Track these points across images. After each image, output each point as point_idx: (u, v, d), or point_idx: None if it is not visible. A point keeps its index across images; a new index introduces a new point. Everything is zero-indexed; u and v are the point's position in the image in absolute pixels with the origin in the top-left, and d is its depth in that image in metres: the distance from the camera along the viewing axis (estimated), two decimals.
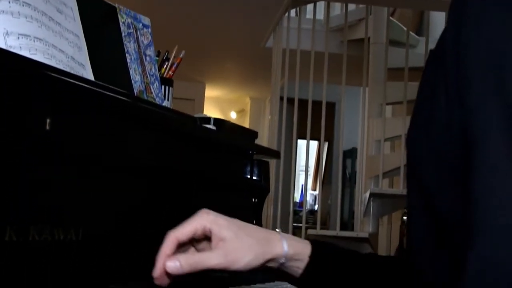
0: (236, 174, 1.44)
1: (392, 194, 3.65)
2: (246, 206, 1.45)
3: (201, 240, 0.85)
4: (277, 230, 0.88)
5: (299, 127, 4.14)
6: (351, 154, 6.89)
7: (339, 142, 4.09)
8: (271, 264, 0.85)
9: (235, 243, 0.80)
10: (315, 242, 0.90)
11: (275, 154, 1.54)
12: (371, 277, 0.92)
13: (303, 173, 3.99)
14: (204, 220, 0.82)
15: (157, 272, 0.80)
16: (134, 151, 1.10)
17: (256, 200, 1.47)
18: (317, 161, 7.90)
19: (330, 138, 7.08)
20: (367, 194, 3.65)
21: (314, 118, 4.03)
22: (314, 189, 8.09)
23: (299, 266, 0.88)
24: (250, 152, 1.45)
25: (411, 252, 0.81)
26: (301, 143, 5.41)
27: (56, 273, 0.95)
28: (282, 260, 0.85)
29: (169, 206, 1.20)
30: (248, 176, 1.46)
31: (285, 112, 4.08)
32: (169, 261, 0.78)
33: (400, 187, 3.61)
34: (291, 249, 0.85)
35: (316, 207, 7.41)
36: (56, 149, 0.95)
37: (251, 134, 1.51)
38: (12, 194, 0.88)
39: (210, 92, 7.07)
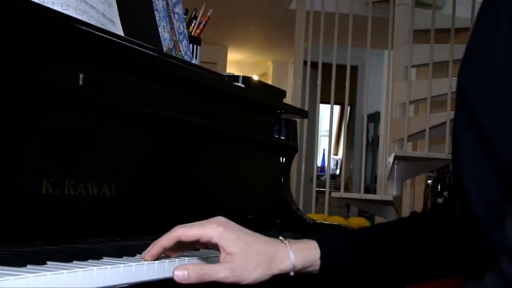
0: (264, 133, 1.44)
1: (417, 157, 3.63)
2: (274, 165, 1.45)
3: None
4: (280, 238, 0.89)
5: (321, 92, 4.11)
6: (373, 118, 6.84)
7: (363, 105, 4.05)
8: (281, 276, 0.87)
9: (242, 260, 0.82)
10: (323, 241, 0.91)
11: (303, 114, 1.54)
12: (390, 255, 0.92)
13: (324, 138, 3.97)
14: (211, 231, 0.83)
15: (146, 255, 0.83)
16: (164, 109, 1.10)
17: (284, 159, 1.47)
18: (339, 126, 7.86)
19: (351, 102, 7.03)
20: (392, 157, 3.63)
21: (336, 82, 3.99)
22: (336, 154, 8.07)
23: (311, 271, 0.90)
24: (278, 111, 1.45)
25: (460, 193, 0.79)
26: (322, 107, 5.37)
27: (91, 225, 0.97)
28: (291, 274, 0.87)
29: (198, 164, 1.20)
30: (276, 135, 1.46)
31: (308, 76, 4.06)
32: (178, 270, 0.79)
33: (425, 150, 3.58)
34: (299, 260, 0.87)
35: (337, 171, 7.40)
36: (89, 105, 0.95)
37: (279, 92, 1.50)
38: (48, 149, 0.89)
39: (232, 55, 7.03)
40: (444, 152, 3.55)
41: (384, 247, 0.93)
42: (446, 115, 3.58)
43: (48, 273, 0.67)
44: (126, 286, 0.78)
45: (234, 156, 1.31)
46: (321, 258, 0.89)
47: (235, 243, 0.83)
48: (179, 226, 0.85)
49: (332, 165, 7.89)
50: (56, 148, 0.90)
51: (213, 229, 0.83)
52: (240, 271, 0.81)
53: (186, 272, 0.79)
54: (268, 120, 1.44)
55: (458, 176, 0.77)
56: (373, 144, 7.13)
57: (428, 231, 0.94)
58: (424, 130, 3.61)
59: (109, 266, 0.75)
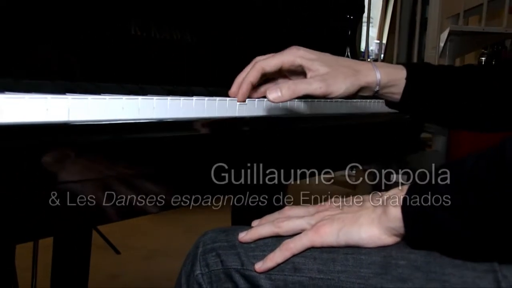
0: None
1: (473, 32, 3.50)
2: (342, 23, 1.43)
3: (295, 75, 0.86)
4: (369, 60, 0.88)
5: None
6: None
7: None
8: (366, 93, 0.87)
9: (331, 73, 0.81)
10: (410, 65, 0.90)
11: None
12: (472, 89, 0.91)
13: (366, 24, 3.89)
14: (292, 55, 0.82)
15: (239, 95, 0.82)
16: None
17: (352, 17, 1.44)
18: (385, 11, 7.63)
19: None
20: (445, 34, 3.52)
21: None
22: (379, 39, 7.89)
23: (394, 92, 0.89)
24: None
25: None
26: None
27: (174, 71, 0.99)
28: (376, 88, 0.86)
29: (269, 21, 1.20)
30: None
31: None
32: (271, 92, 0.78)
33: (481, 25, 3.44)
34: (385, 76, 0.86)
35: (382, 56, 7.28)
36: None
37: None
38: None
39: None
40: (502, 26, 3.41)
41: (474, 89, 0.91)
42: None
43: (155, 97, 0.69)
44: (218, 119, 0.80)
45: (303, 14, 1.30)
46: (407, 78, 0.88)
47: (319, 59, 0.82)
48: (259, 57, 0.84)
49: (376, 50, 7.74)
50: None
51: (293, 52, 0.83)
52: (330, 82, 0.81)
53: (279, 92, 0.78)
54: None
55: None
56: (421, 27, 6.92)
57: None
58: (481, 5, 3.47)
59: (206, 98, 0.76)
